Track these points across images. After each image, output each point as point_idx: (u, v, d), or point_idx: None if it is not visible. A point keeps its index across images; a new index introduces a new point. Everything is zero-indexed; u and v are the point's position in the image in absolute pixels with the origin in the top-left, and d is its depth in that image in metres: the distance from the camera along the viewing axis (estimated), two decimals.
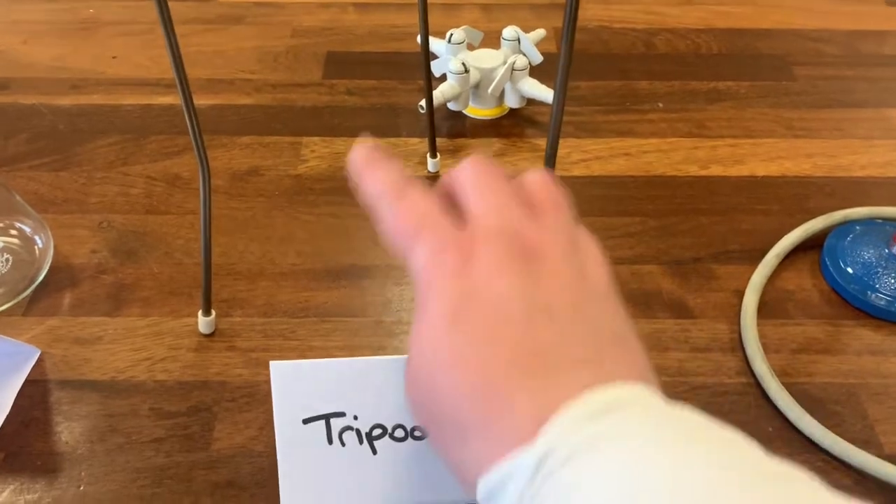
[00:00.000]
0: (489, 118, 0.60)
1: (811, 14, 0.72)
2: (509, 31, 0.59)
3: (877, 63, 0.67)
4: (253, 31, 0.69)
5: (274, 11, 0.71)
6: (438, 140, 0.58)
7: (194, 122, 0.37)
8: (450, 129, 0.59)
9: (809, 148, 0.58)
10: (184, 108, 0.37)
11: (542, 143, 0.58)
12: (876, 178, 0.55)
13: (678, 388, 0.43)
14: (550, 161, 0.37)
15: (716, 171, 0.56)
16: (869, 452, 0.39)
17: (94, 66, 0.65)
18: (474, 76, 0.57)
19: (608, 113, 0.61)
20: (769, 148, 0.58)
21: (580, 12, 0.75)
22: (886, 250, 0.47)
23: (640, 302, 0.47)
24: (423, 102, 0.54)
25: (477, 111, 0.60)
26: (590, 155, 0.57)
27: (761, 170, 0.56)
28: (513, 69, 0.57)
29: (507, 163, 0.57)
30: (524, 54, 0.59)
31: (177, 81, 0.36)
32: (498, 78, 0.56)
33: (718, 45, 0.68)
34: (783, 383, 0.42)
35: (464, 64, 0.56)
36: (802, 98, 0.62)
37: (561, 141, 0.58)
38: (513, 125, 0.60)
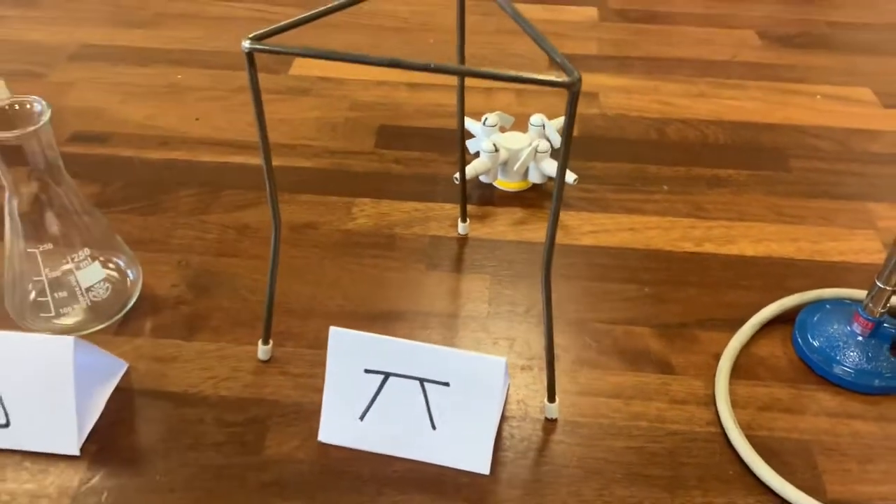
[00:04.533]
0: (514, 191, 0.69)
1: (812, 112, 0.81)
2: (536, 118, 0.69)
3: (866, 160, 0.74)
4: (316, 102, 0.80)
5: (335, 86, 0.82)
6: (469, 207, 0.67)
7: (272, 180, 0.46)
8: (480, 198, 0.68)
9: (795, 233, 0.66)
10: (264, 168, 0.46)
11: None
12: (851, 263, 0.63)
13: (656, 432, 0.50)
14: (551, 232, 0.45)
15: (708, 248, 0.64)
16: (815, 498, 0.46)
17: (180, 126, 0.76)
18: (503, 155, 0.67)
19: (618, 192, 0.69)
20: (759, 231, 0.66)
21: (604, 100, 0.86)
22: (848, 328, 0.54)
23: (630, 358, 0.55)
24: (457, 174, 0.63)
25: (505, 184, 0.69)
26: (599, 227, 0.65)
27: (750, 250, 0.64)
28: (536, 151, 0.66)
29: (526, 230, 0.65)
30: (547, 138, 0.69)
31: (260, 146, 0.45)
32: (522, 158, 0.65)
33: (724, 136, 0.77)
34: (746, 435, 0.49)
35: (494, 144, 0.66)
36: (795, 188, 0.70)
37: (574, 213, 0.67)
38: (535, 198, 0.68)
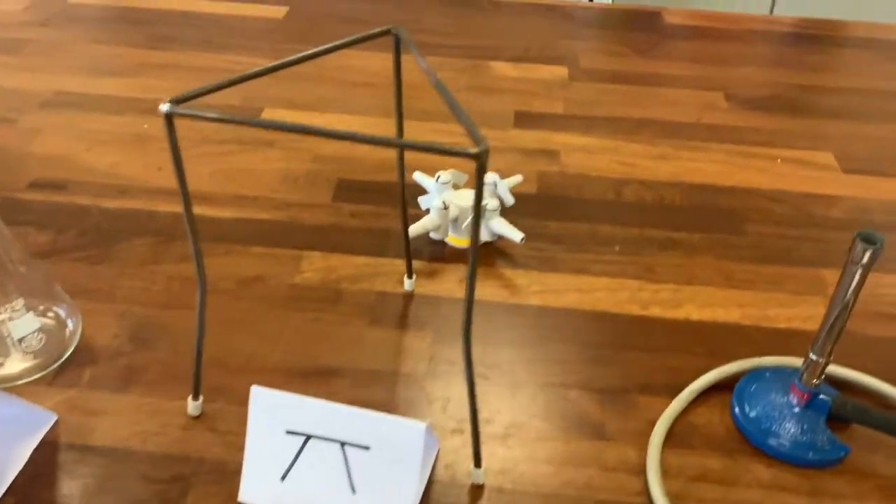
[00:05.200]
0: (465, 247, 0.69)
1: (772, 175, 0.81)
2: (488, 177, 0.69)
3: (822, 225, 0.74)
4: (281, 154, 0.81)
5: (300, 138, 0.83)
6: (419, 263, 0.67)
7: (195, 238, 0.46)
8: (431, 254, 0.69)
9: (743, 298, 0.65)
10: (188, 228, 0.46)
11: (507, 272, 0.67)
12: (797, 330, 0.62)
13: (584, 501, 0.49)
14: (469, 295, 0.45)
15: (655, 312, 0.64)
16: None
17: (141, 175, 0.77)
18: (453, 212, 0.67)
19: (570, 251, 0.70)
20: (707, 295, 0.65)
21: (565, 158, 0.86)
22: (785, 398, 0.54)
23: (565, 422, 0.54)
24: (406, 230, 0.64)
25: (456, 240, 0.69)
26: (547, 288, 0.65)
27: (696, 315, 0.64)
28: (484, 209, 0.66)
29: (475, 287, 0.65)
30: (499, 197, 0.69)
31: (182, 205, 0.45)
32: (470, 216, 0.66)
33: (682, 198, 0.77)
34: None
35: (444, 202, 0.66)
36: (747, 252, 0.70)
37: (523, 272, 0.67)
38: (485, 255, 0.69)
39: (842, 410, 0.52)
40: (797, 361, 0.58)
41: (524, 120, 0.89)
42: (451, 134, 0.85)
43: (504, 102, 0.92)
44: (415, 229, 0.66)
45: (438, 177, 0.69)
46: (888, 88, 0.99)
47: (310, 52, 0.47)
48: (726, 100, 0.95)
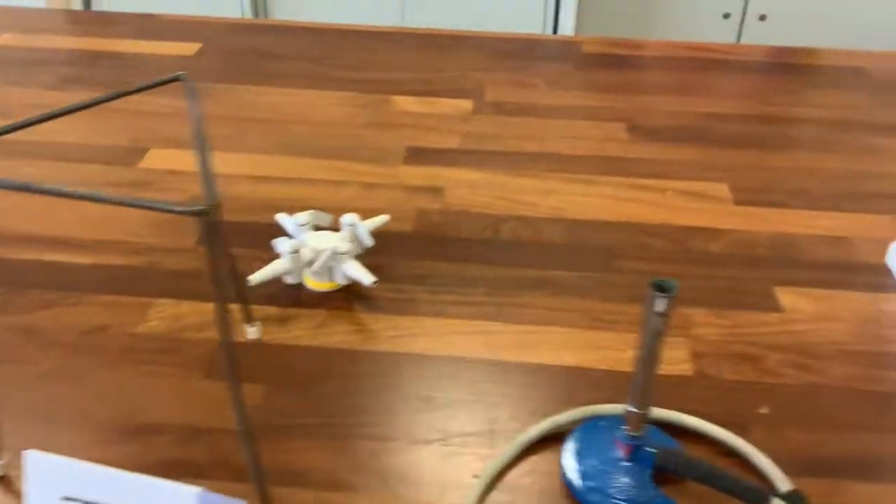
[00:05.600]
0: (323, 290, 0.67)
1: (658, 209, 0.79)
2: (347, 218, 0.67)
3: (697, 260, 0.72)
4: (156, 196, 0.79)
5: (179, 179, 0.82)
6: (272, 309, 0.65)
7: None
8: (287, 298, 0.67)
9: (603, 340, 0.63)
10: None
11: (363, 317, 0.65)
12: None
13: None
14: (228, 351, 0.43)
15: (504, 356, 0.62)
16: None
17: None
18: (307, 255, 0.65)
19: (433, 293, 0.68)
20: (566, 337, 0.63)
21: (449, 195, 0.85)
22: (615, 451, 0.52)
23: (382, 478, 0.52)
24: (250, 277, 0.62)
25: (313, 283, 0.67)
26: (402, 332, 0.64)
27: (549, 358, 0.61)
28: (335, 253, 0.64)
29: (323, 334, 0.63)
30: (358, 238, 0.68)
31: None
32: (321, 260, 0.64)
33: (560, 235, 0.75)
34: None
35: (292, 247, 0.64)
36: (614, 291, 0.68)
37: (381, 316, 0.66)
38: (342, 299, 0.67)
39: (667, 463, 0.50)
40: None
41: (416, 156, 0.87)
42: (353, 173, 0.83)
43: (399, 138, 0.90)
44: (262, 275, 0.64)
45: (297, 218, 0.67)
46: (792, 115, 0.97)
47: (91, 100, 0.46)
48: (628, 130, 0.93)
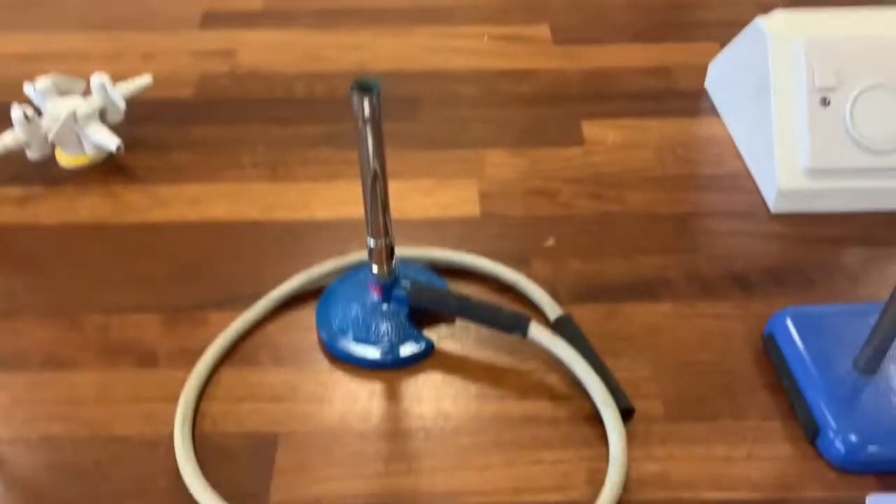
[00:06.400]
0: (78, 166, 0.59)
1: (471, 55, 0.72)
2: (95, 79, 0.59)
3: (504, 103, 0.66)
4: None
5: None
6: (14, 188, 0.57)
7: None
8: (32, 178, 0.58)
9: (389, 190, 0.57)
10: None
11: (118, 189, 0.57)
12: (434, 219, 0.54)
13: (97, 444, 0.41)
14: None
15: (276, 215, 0.55)
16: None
17: None
18: (46, 123, 0.57)
19: (203, 158, 0.60)
20: (346, 191, 0.57)
21: (241, 57, 0.76)
22: (372, 299, 0.46)
23: (110, 352, 0.45)
24: None
25: (64, 158, 0.59)
26: (157, 202, 0.56)
27: (322, 213, 0.55)
28: (76, 117, 0.56)
29: (73, 209, 0.56)
30: (114, 103, 0.59)
31: None
32: (56, 127, 0.56)
33: None
34: (208, 432, 0.41)
35: (25, 113, 0.56)
36: (410, 140, 0.62)
37: (137, 187, 0.58)
38: (97, 173, 0.59)
39: (419, 300, 0.45)
40: (410, 252, 0.50)
41: (211, 21, 0.78)
42: (133, 43, 0.74)
43: (194, 2, 0.81)
44: None
45: (35, 84, 0.59)
46: None
47: None
48: None
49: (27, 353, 0.46)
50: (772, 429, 0.41)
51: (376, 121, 0.38)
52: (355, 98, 0.37)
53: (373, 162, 0.39)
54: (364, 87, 0.37)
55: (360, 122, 0.38)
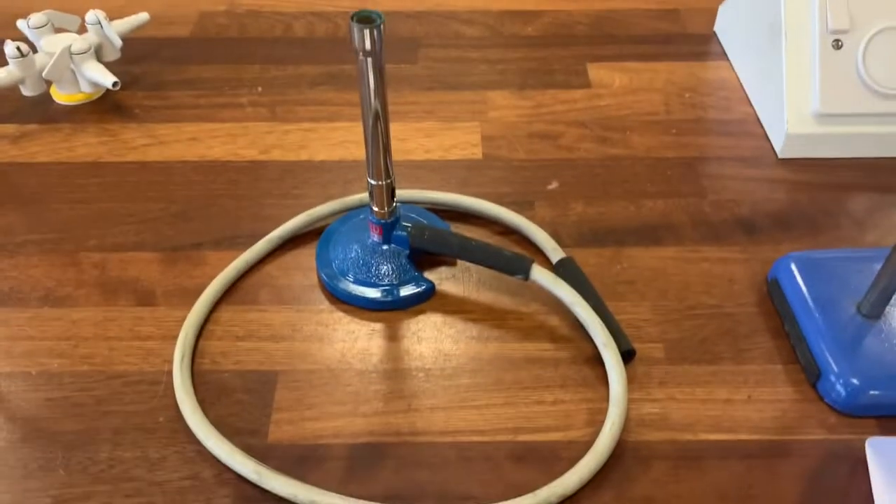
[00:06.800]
0: (72, 104, 0.58)
1: None
2: (90, 16, 0.57)
3: (510, 45, 0.65)
4: None
5: None
6: (10, 126, 0.56)
7: None
8: (28, 115, 0.57)
9: (392, 131, 0.56)
10: None
11: (114, 128, 0.56)
12: (436, 161, 0.54)
13: (94, 378, 0.41)
14: None
15: (274, 155, 0.54)
16: (253, 440, 0.38)
17: None
18: (41, 60, 0.56)
19: (202, 97, 0.59)
20: (344, 133, 0.56)
21: None
22: (372, 239, 0.46)
23: (109, 290, 0.45)
24: None
25: (59, 96, 0.58)
26: (154, 140, 0.55)
27: (322, 154, 0.54)
28: (71, 53, 0.55)
29: (69, 147, 0.55)
30: (109, 40, 0.58)
31: None
32: (51, 63, 0.55)
33: None
34: (207, 370, 0.41)
35: (19, 48, 0.55)
36: (413, 81, 0.61)
37: (133, 126, 0.57)
38: (93, 111, 0.58)
39: (420, 242, 0.44)
40: (410, 194, 0.49)
41: None
42: None
43: None
44: None
45: (29, 20, 0.57)
46: None
47: None
48: None
49: (25, 290, 0.45)
50: (773, 372, 0.41)
51: (378, 56, 0.37)
52: (356, 31, 0.36)
53: (374, 100, 0.39)
54: (365, 19, 0.36)
55: (361, 57, 0.37)
